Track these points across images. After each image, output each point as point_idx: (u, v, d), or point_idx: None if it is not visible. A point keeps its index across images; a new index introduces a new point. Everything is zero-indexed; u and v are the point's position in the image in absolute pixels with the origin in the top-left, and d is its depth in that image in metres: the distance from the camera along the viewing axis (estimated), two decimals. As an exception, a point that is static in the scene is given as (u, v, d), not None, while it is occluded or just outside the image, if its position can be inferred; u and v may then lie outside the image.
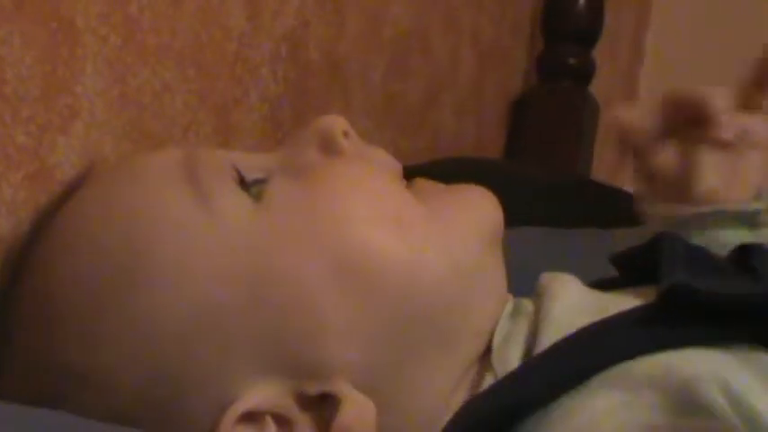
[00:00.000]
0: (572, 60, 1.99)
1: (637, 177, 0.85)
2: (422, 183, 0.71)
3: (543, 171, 1.74)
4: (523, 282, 0.72)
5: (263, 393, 0.62)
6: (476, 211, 0.70)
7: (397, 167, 0.70)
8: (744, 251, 0.75)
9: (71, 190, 0.70)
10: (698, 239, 0.81)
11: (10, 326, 0.66)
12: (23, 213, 0.88)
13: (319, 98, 1.40)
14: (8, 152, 0.96)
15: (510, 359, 0.66)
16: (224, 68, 1.23)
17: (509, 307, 0.70)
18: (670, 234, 0.75)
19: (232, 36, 1.24)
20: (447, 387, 0.66)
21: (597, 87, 2.06)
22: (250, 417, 0.62)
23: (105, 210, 0.66)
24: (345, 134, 0.69)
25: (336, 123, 0.69)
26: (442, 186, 0.71)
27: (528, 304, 0.71)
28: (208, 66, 1.20)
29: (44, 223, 0.68)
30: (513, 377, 0.65)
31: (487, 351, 0.68)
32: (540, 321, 0.68)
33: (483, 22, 1.85)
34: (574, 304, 0.69)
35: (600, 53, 2.04)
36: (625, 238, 0.85)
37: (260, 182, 0.65)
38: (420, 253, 0.66)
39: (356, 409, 0.62)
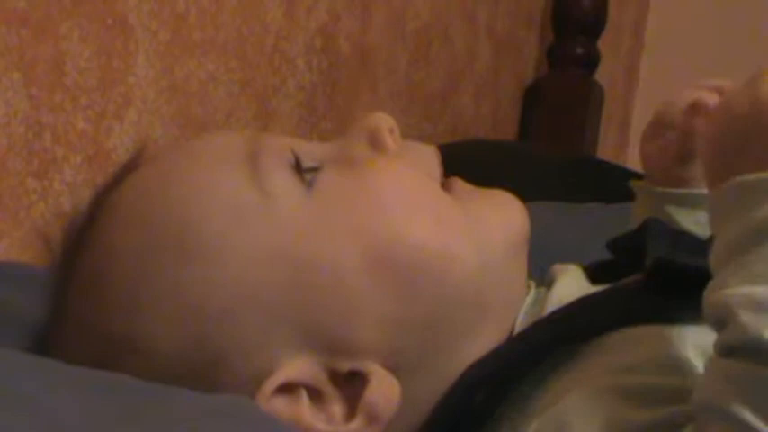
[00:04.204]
0: (579, 51, 1.99)
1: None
2: (456, 182, 0.69)
3: (553, 151, 1.74)
4: (536, 252, 0.71)
5: (298, 367, 0.60)
6: (506, 215, 0.68)
7: (436, 164, 0.68)
8: None
9: (126, 169, 0.68)
10: (687, 218, 0.80)
11: (66, 295, 0.65)
12: (83, 192, 0.87)
13: (350, 86, 1.40)
14: (69, 137, 0.96)
15: None
16: (263, 60, 1.22)
17: (531, 296, 0.69)
18: (655, 220, 0.74)
19: (270, 30, 1.23)
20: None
21: (602, 75, 2.05)
22: (285, 388, 0.60)
23: (163, 183, 0.64)
24: (391, 131, 0.68)
25: (384, 121, 0.68)
26: (474, 188, 0.69)
27: (544, 293, 0.70)
28: (248, 57, 1.19)
29: (102, 199, 0.67)
30: (509, 341, 0.64)
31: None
32: (544, 302, 0.67)
33: (498, 16, 1.84)
34: (573, 290, 0.69)
35: (604, 44, 2.03)
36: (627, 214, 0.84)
37: (313, 170, 0.64)
38: (453, 249, 0.64)
39: (383, 386, 0.60)
